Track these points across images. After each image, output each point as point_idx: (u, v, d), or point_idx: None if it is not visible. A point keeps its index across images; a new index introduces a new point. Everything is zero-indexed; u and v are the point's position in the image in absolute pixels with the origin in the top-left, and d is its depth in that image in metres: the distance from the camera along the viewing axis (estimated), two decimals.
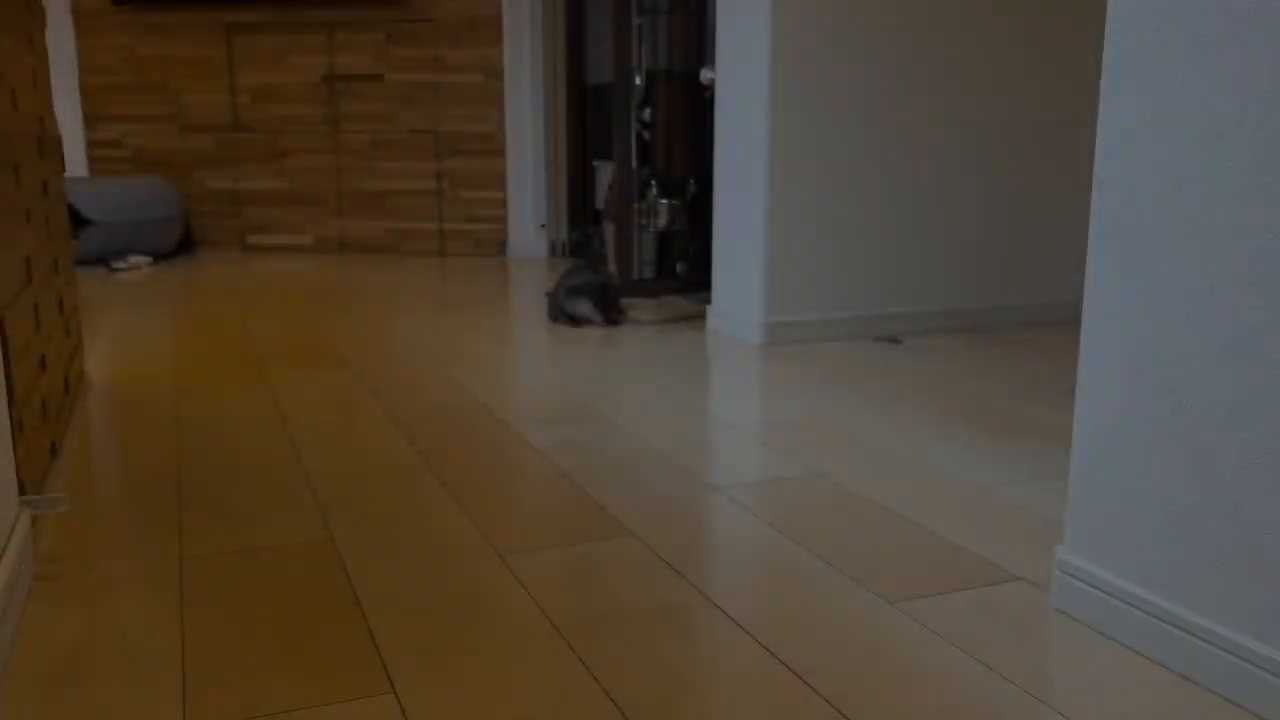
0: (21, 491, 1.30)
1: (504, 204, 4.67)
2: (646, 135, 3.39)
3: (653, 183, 3.25)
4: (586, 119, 4.45)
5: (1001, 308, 2.94)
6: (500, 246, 4.72)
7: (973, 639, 1.09)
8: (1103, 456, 1.10)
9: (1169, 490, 1.02)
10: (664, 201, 3.28)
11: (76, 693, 0.98)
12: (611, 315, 2.98)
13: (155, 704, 0.96)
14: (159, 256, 4.47)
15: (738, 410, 2.01)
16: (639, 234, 3.26)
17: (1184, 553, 1.01)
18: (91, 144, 4.72)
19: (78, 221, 4.13)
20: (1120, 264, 1.06)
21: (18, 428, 1.32)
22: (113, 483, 1.58)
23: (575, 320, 2.95)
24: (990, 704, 0.96)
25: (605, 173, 4.17)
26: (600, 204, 4.19)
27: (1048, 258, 2.99)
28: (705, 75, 3.16)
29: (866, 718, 0.94)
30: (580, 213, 4.60)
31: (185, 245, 4.82)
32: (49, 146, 1.92)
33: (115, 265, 4.18)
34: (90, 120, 4.70)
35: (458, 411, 1.98)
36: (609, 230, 3.73)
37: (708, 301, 2.98)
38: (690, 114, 3.42)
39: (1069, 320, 3.01)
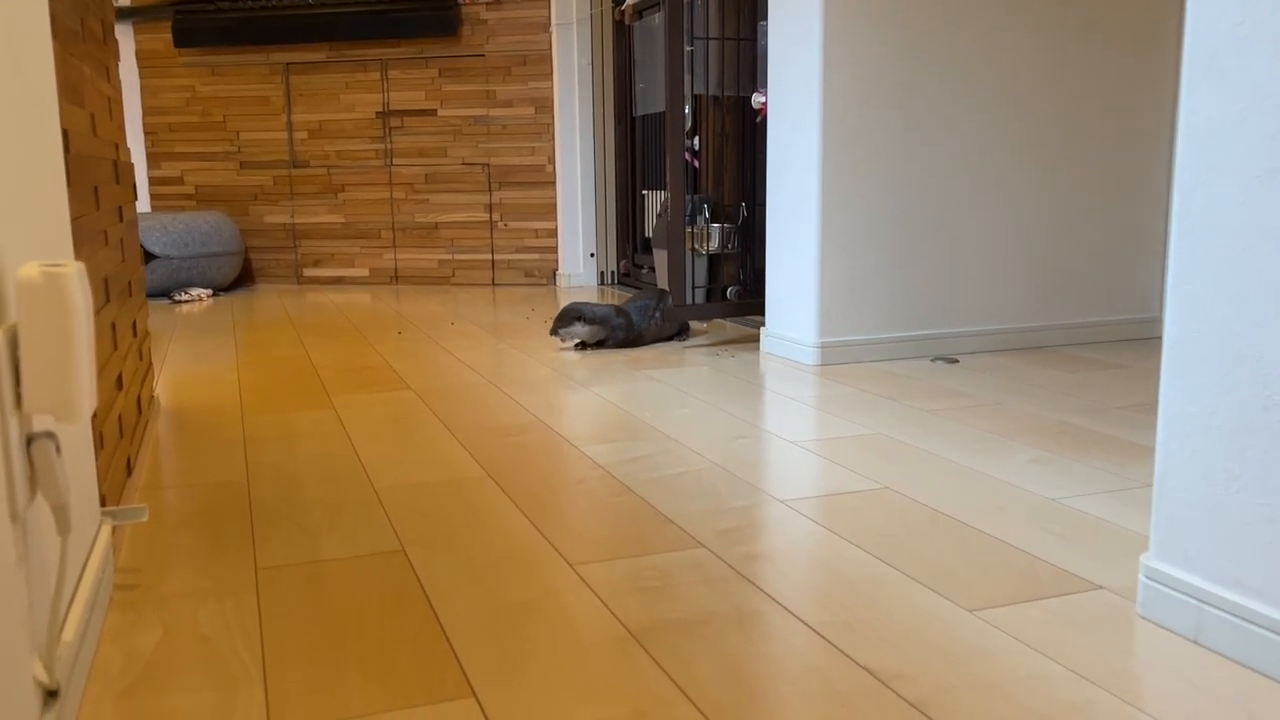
0: (102, 504, 1.33)
1: (554, 234, 4.71)
2: (696, 162, 3.41)
3: (705, 207, 3.26)
4: (635, 150, 4.49)
5: (1059, 326, 2.90)
6: (551, 275, 4.76)
7: (1059, 647, 1.06)
8: (1190, 458, 1.07)
9: (1264, 491, 0.99)
10: (715, 225, 3.29)
11: (159, 699, 0.99)
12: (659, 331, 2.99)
13: (238, 709, 0.96)
14: (219, 289, 4.57)
15: (796, 427, 1.99)
16: (691, 258, 3.26)
17: None
18: (154, 181, 4.86)
19: (143, 256, 4.23)
20: (1206, 259, 1.04)
21: (98, 443, 1.35)
22: (186, 498, 1.60)
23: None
24: (1083, 711, 0.93)
25: (654, 202, 4.19)
26: (649, 233, 4.21)
27: (1106, 274, 2.94)
28: (756, 100, 3.18)
29: None
30: (630, 241, 4.63)
31: (244, 279, 4.93)
32: (123, 173, 1.97)
33: (177, 298, 4.28)
34: (153, 158, 4.84)
35: (518, 429, 1.99)
36: (659, 256, 3.74)
37: (761, 324, 2.98)
38: (741, 138, 3.43)
39: (1130, 338, 2.95)
